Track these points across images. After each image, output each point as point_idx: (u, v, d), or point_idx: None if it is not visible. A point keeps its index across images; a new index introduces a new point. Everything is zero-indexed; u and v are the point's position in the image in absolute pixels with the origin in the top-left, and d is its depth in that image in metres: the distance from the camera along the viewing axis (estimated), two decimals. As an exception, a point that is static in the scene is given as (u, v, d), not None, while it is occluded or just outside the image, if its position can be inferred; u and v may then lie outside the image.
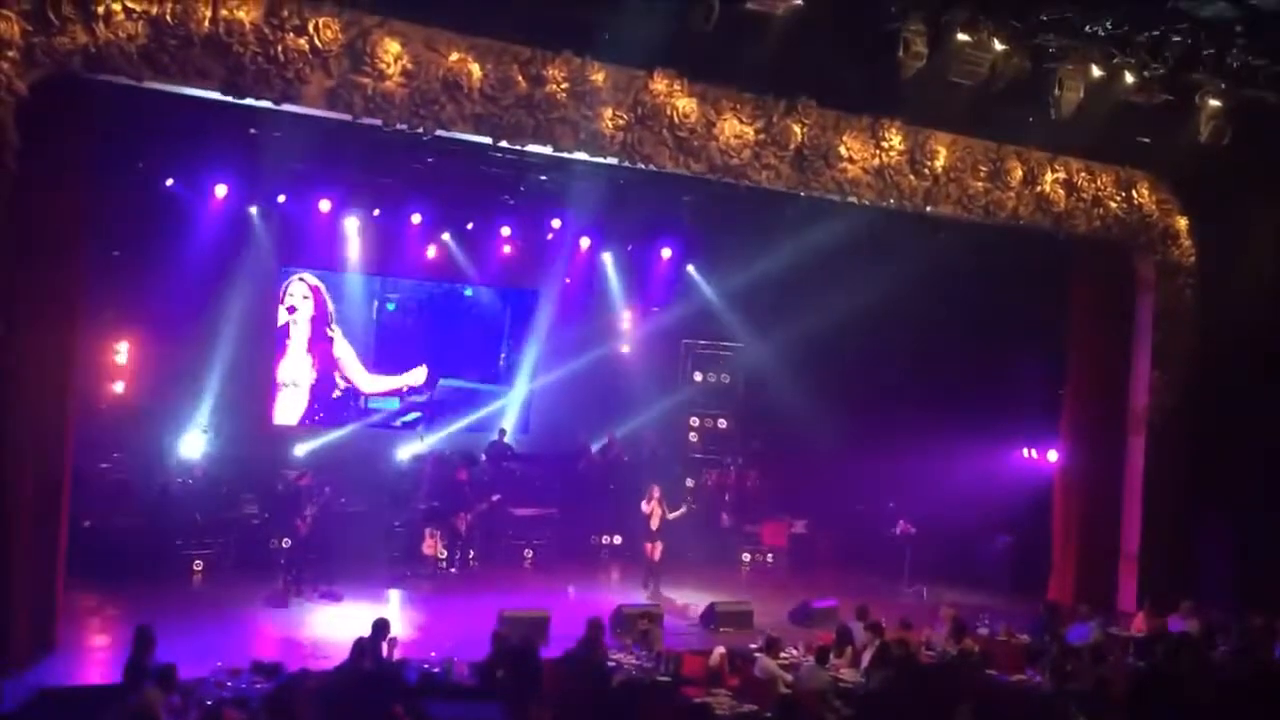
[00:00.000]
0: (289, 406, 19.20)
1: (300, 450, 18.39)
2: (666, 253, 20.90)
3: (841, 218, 15.58)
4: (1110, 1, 11.93)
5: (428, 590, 15.68)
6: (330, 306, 19.45)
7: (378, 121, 11.47)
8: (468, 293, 20.49)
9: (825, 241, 17.12)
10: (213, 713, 8.94)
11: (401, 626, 13.55)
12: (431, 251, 19.37)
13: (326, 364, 19.49)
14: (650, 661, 11.12)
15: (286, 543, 15.38)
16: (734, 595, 15.51)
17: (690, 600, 15.55)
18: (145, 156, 15.36)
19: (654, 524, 15.81)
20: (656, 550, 15.89)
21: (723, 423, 21.43)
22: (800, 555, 19.17)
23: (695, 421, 21.55)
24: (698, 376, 21.63)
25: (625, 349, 21.71)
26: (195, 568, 15.65)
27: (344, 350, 19.66)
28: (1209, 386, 15.49)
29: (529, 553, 18.04)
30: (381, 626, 10.47)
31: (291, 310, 19.18)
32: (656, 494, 16.02)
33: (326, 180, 16.89)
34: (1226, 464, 15.14)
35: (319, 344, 19.41)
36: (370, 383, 19.91)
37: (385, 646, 10.41)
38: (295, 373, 19.24)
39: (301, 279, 19.16)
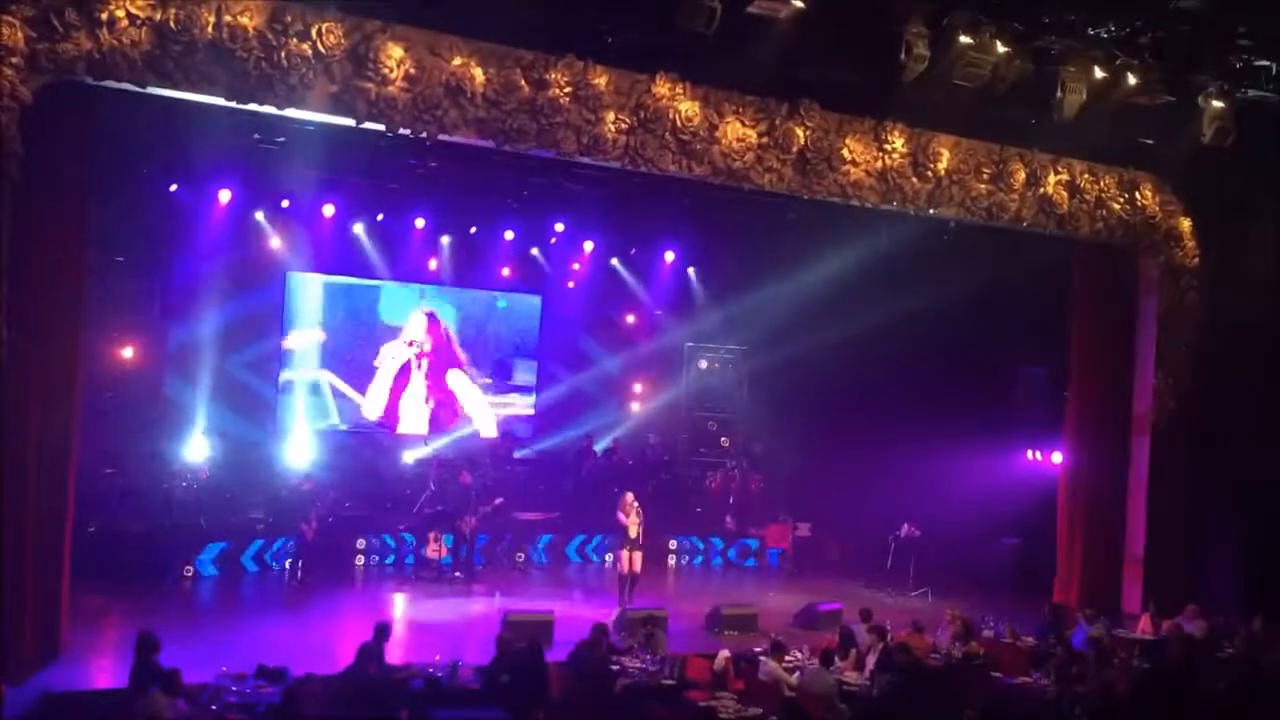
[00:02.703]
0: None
1: (304, 456, 18.41)
2: (669, 256, 20.92)
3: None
4: (1113, 3, 11.92)
5: (432, 593, 15.69)
6: (455, 339, 20.11)
7: (381, 126, 11.48)
8: (501, 304, 20.85)
9: (829, 243, 17.20)
10: (217, 717, 8.94)
11: (406, 630, 13.60)
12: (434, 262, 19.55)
13: (445, 397, 20.04)
14: (655, 665, 11.10)
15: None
16: (739, 598, 15.51)
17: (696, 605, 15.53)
18: (149, 162, 15.41)
19: (633, 533, 14.97)
20: (636, 560, 14.93)
21: (726, 425, 21.45)
22: (804, 558, 19.16)
23: (698, 424, 21.57)
24: (700, 379, 21.65)
25: (627, 351, 21.78)
26: (200, 572, 15.64)
27: (462, 384, 20.25)
28: (1213, 388, 15.45)
29: (533, 555, 18.05)
30: (383, 630, 10.48)
31: (410, 345, 19.81)
32: (631, 501, 15.11)
33: (330, 185, 16.92)
34: (1231, 466, 15.10)
35: (438, 379, 20.02)
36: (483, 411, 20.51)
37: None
38: (414, 403, 19.77)
39: (426, 312, 19.78)
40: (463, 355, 20.22)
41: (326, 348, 19.33)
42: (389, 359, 19.62)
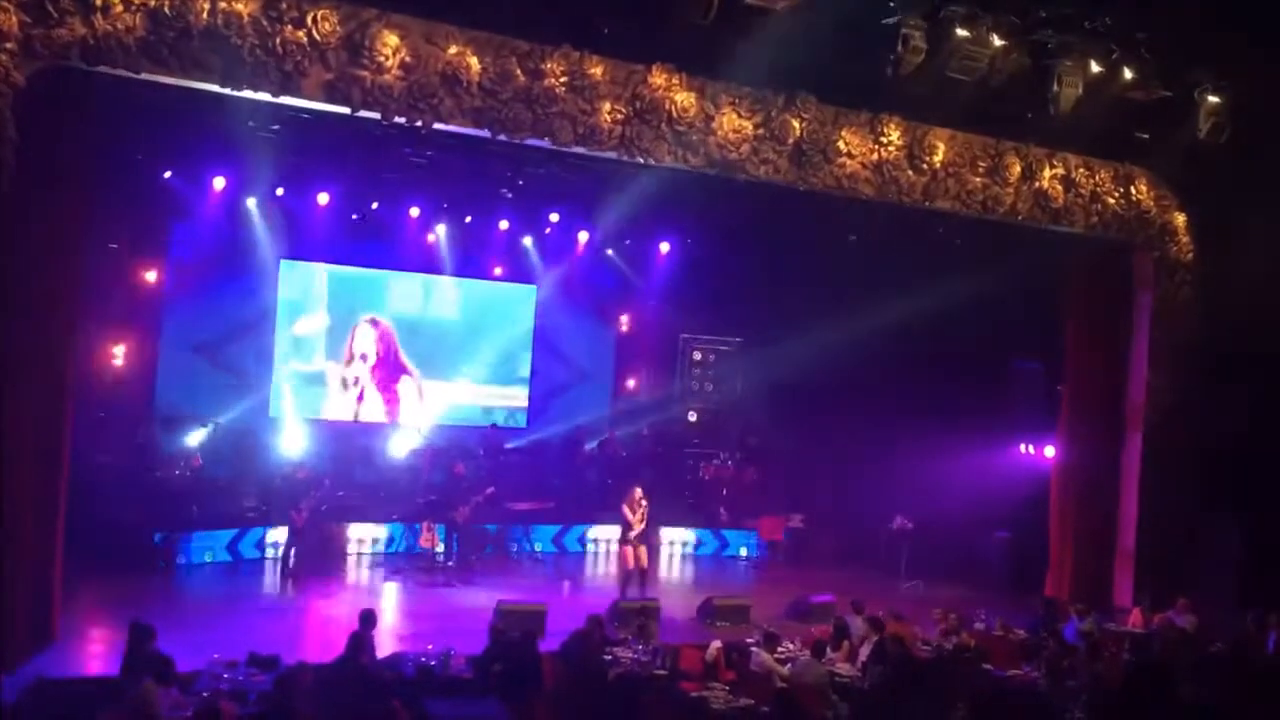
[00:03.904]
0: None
1: (298, 445, 18.39)
2: (665, 247, 20.90)
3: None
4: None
5: (425, 583, 15.70)
6: (399, 347, 19.96)
7: (376, 115, 11.44)
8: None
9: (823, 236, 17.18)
10: (209, 705, 8.94)
11: (399, 619, 13.62)
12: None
13: (395, 407, 20.01)
14: (647, 655, 11.12)
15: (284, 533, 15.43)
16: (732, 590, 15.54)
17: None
18: (143, 149, 15.32)
19: (638, 529, 14.74)
20: (641, 555, 14.68)
21: (721, 417, 21.45)
22: (797, 550, 19.19)
23: (693, 416, 21.58)
24: (696, 371, 21.67)
25: (622, 342, 21.79)
26: (193, 560, 15.63)
27: (410, 389, 20.14)
28: (1207, 383, 15.48)
29: (526, 546, 18.06)
30: (369, 618, 10.48)
31: (364, 358, 19.70)
32: (638, 497, 14.85)
33: (325, 173, 16.86)
34: (1224, 461, 15.13)
35: (389, 387, 19.91)
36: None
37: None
38: (369, 413, 19.76)
39: (374, 321, 19.67)
40: (408, 361, 20.13)
41: (332, 336, 19.36)
42: (339, 380, 19.62)
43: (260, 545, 16.19)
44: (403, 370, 20.06)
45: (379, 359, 19.84)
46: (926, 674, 11.03)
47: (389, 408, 19.96)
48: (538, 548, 18.12)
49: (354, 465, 18.52)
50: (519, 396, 20.91)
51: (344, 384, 19.58)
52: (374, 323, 19.78)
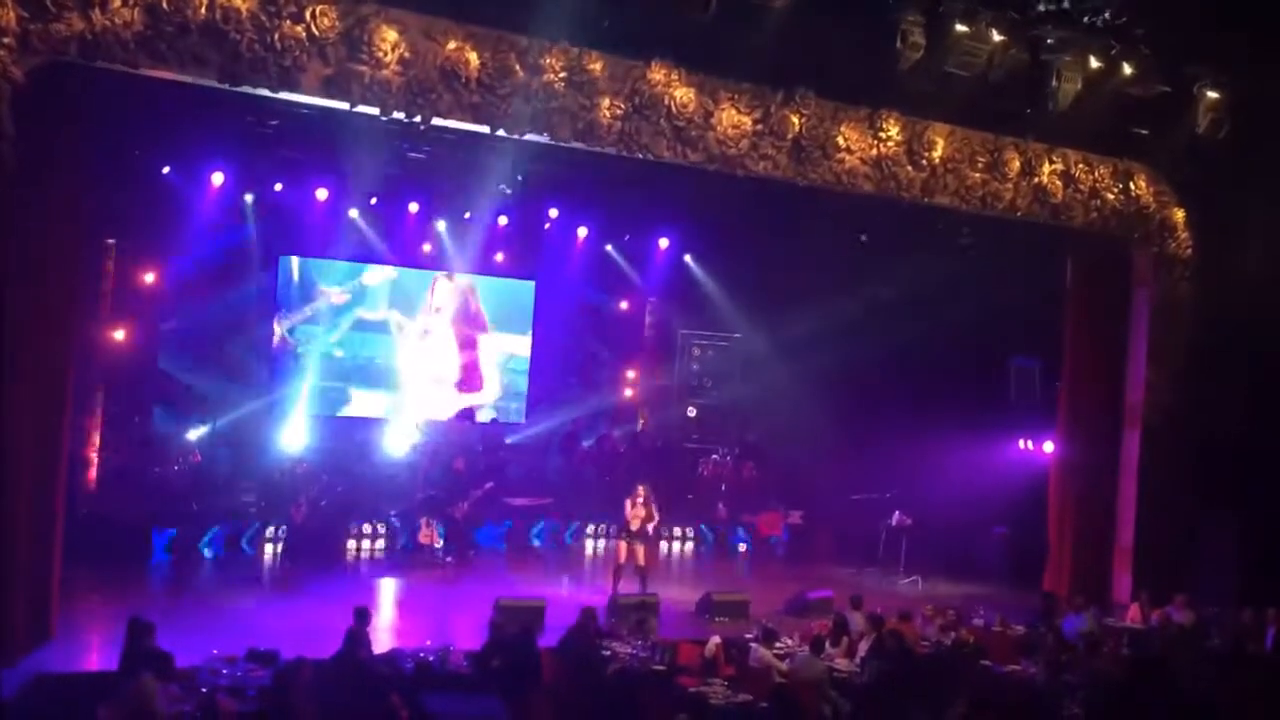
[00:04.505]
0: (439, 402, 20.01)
1: (298, 440, 18.39)
2: (664, 243, 20.88)
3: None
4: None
5: (424, 579, 15.70)
6: (482, 308, 20.23)
7: (375, 110, 11.43)
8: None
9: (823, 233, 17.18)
10: (208, 700, 8.95)
11: (397, 615, 13.62)
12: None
13: (472, 363, 20.16)
14: (646, 651, 11.13)
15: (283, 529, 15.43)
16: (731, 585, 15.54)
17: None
18: (141, 145, 15.30)
19: (635, 526, 14.46)
20: (638, 552, 14.45)
21: (720, 413, 21.45)
22: (796, 546, 19.19)
23: (692, 412, 21.58)
24: (695, 367, 21.67)
25: (621, 338, 21.79)
26: (192, 555, 15.63)
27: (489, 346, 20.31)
28: (1205, 380, 15.49)
29: (526, 541, 18.07)
30: (363, 614, 10.48)
31: (438, 311, 19.91)
32: (643, 495, 14.65)
33: (324, 168, 16.83)
34: (1222, 457, 15.14)
35: (468, 344, 20.12)
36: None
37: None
38: (440, 370, 19.91)
39: (449, 278, 19.88)
40: (487, 317, 20.30)
41: (398, 287, 19.65)
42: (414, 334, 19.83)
43: (259, 541, 16.18)
44: (480, 327, 20.28)
45: (457, 312, 20.10)
46: (925, 669, 11.05)
47: (465, 363, 20.18)
48: (535, 544, 18.16)
49: (353, 460, 18.51)
50: (518, 393, 20.87)
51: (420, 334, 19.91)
52: (450, 277, 19.99)
